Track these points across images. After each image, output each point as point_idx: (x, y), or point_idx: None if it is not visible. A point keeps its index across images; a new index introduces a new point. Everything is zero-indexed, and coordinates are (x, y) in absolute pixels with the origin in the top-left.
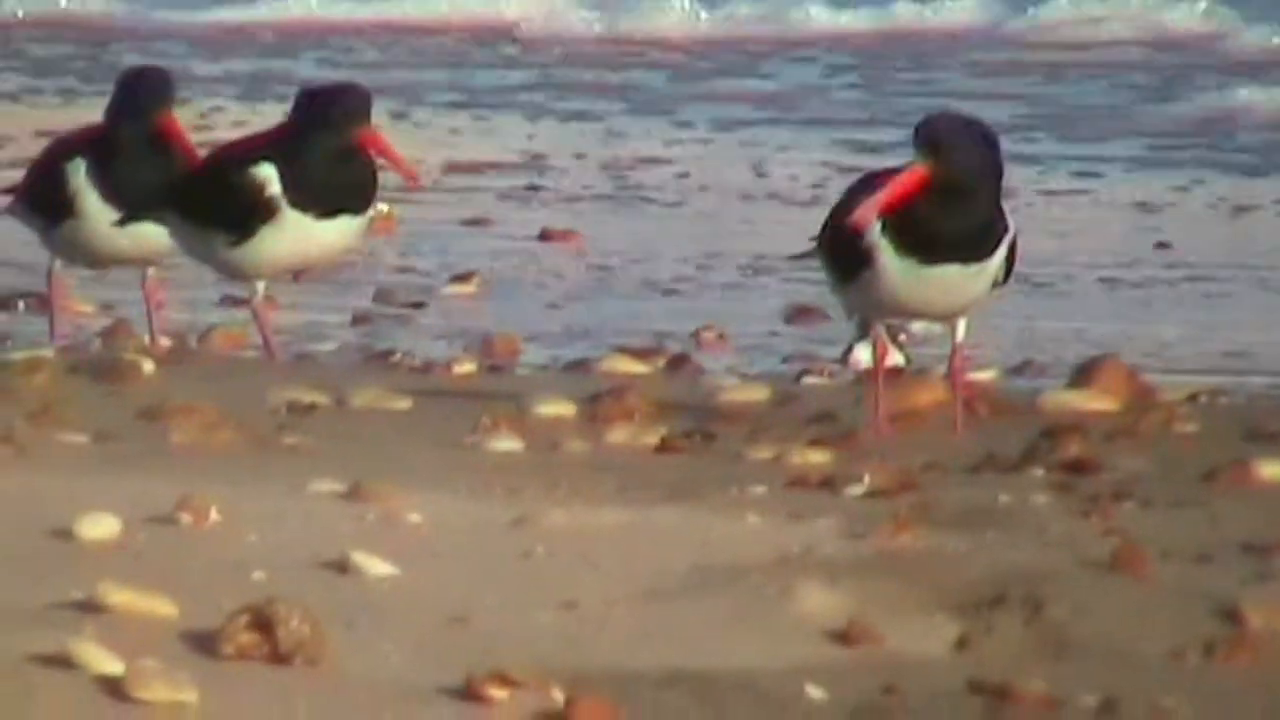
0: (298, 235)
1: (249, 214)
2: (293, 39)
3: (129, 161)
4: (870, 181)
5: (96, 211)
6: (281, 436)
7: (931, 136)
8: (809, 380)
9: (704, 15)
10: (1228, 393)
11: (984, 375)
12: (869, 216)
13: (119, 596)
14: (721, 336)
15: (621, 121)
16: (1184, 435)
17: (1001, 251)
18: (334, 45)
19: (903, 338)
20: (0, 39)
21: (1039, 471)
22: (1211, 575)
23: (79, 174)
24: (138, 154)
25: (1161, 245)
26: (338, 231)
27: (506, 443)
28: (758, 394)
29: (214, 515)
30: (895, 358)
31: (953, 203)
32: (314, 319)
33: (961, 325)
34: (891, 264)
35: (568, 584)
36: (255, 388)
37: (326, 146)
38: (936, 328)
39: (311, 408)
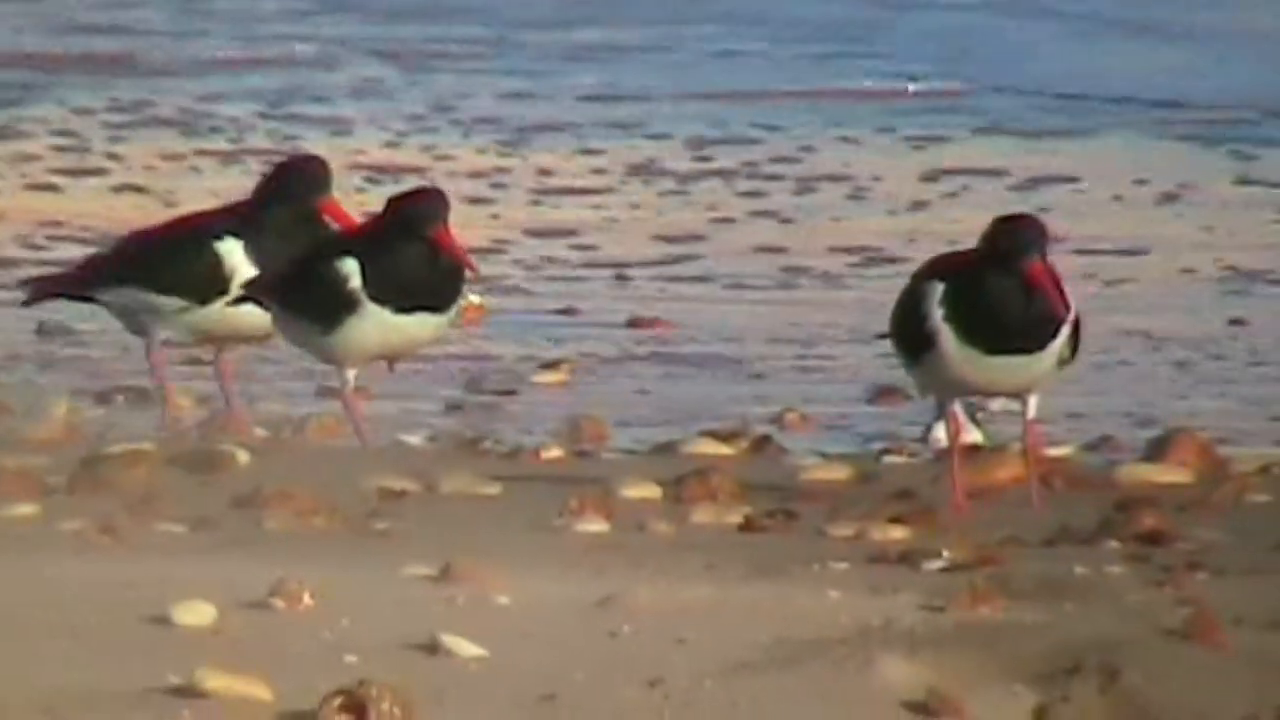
0: (380, 328)
1: (334, 305)
2: None
3: (279, 242)
4: (939, 266)
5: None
6: (373, 522)
7: (1026, 232)
8: (889, 459)
9: None
10: None
11: (1060, 450)
12: (1063, 313)
13: (216, 681)
14: (804, 418)
15: None
16: (1256, 505)
17: (1062, 336)
18: None
19: (980, 415)
20: None
21: (1114, 543)
22: None
23: (233, 255)
24: (290, 235)
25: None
26: (419, 326)
27: (593, 524)
28: (839, 473)
29: (307, 599)
30: (973, 435)
31: (1016, 293)
32: (407, 407)
33: (1033, 402)
34: (955, 350)
35: (654, 661)
36: (348, 475)
37: (407, 244)
38: (1014, 404)
39: (402, 494)
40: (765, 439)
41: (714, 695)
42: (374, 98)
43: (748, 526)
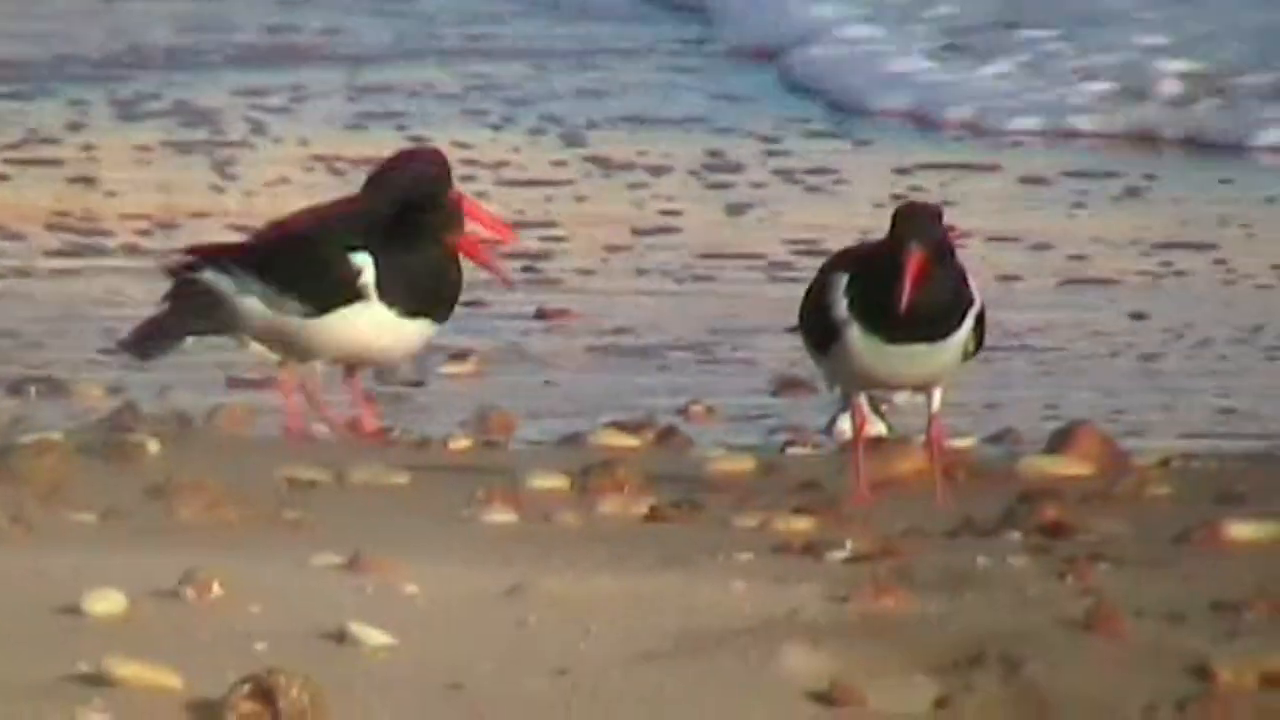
0: (380, 326)
1: (335, 293)
2: None
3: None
4: (845, 259)
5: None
6: (283, 512)
7: (923, 224)
8: (794, 451)
9: None
10: (1199, 457)
11: (962, 442)
12: (908, 301)
13: (126, 669)
14: (710, 410)
15: None
16: (1157, 498)
17: (967, 326)
18: None
19: (885, 408)
20: None
21: (1016, 535)
22: (1183, 633)
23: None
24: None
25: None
26: (417, 332)
27: (501, 515)
28: (744, 465)
29: (217, 589)
30: (877, 427)
31: (922, 286)
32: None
33: (937, 395)
34: (860, 341)
35: (560, 651)
36: (258, 466)
37: (425, 248)
38: (918, 397)
39: (312, 484)
40: (671, 431)
41: (620, 684)
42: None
43: (653, 517)
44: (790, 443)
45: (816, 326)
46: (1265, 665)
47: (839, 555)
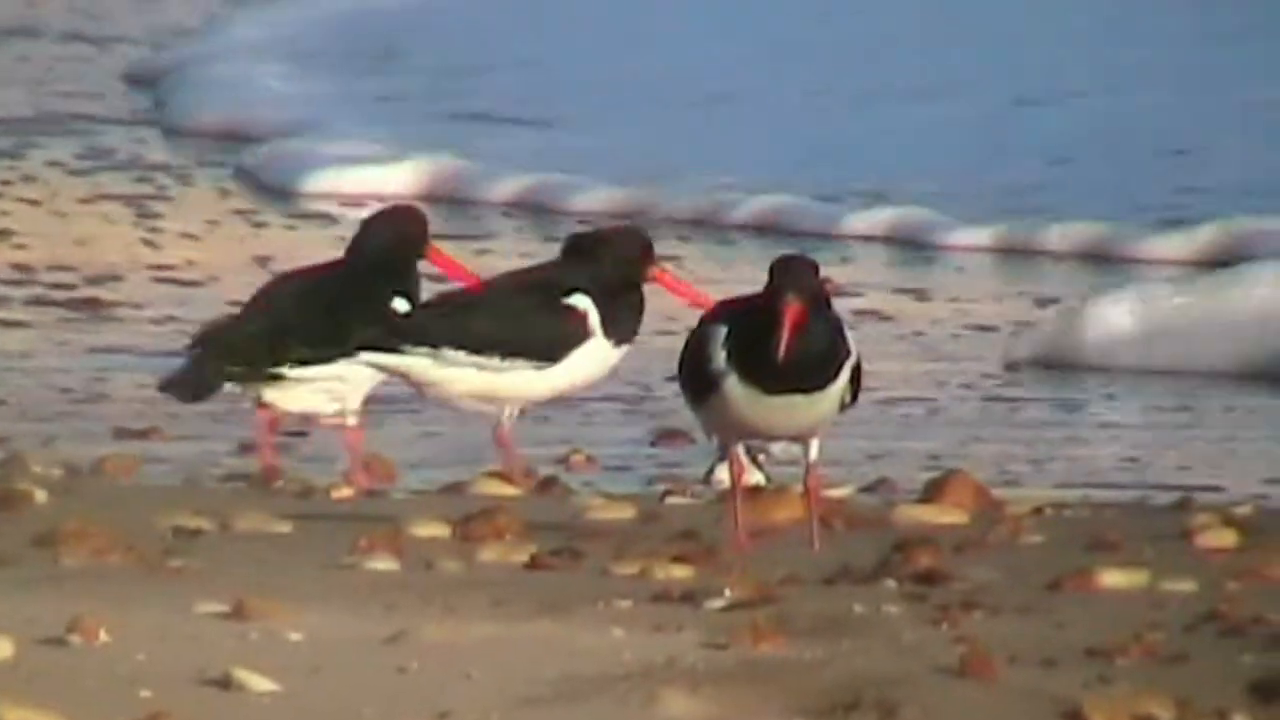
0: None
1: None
2: None
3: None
4: (724, 310)
5: None
6: (168, 559)
7: (800, 276)
8: (673, 500)
9: None
10: (1071, 505)
11: (839, 491)
12: (786, 352)
13: (12, 715)
14: (590, 459)
15: None
16: (1030, 546)
17: (843, 378)
18: None
19: (762, 457)
20: None
21: (891, 582)
22: (1056, 679)
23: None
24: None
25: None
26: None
27: (383, 562)
28: (623, 513)
29: (103, 635)
30: (754, 476)
31: (798, 337)
32: (202, 448)
33: (814, 444)
34: (737, 391)
35: (442, 696)
36: (144, 514)
37: (633, 289)
38: (795, 447)
39: (197, 532)
40: (551, 479)
41: None
42: None
43: (534, 565)
44: (669, 491)
45: (695, 377)
46: (1137, 710)
47: (717, 603)
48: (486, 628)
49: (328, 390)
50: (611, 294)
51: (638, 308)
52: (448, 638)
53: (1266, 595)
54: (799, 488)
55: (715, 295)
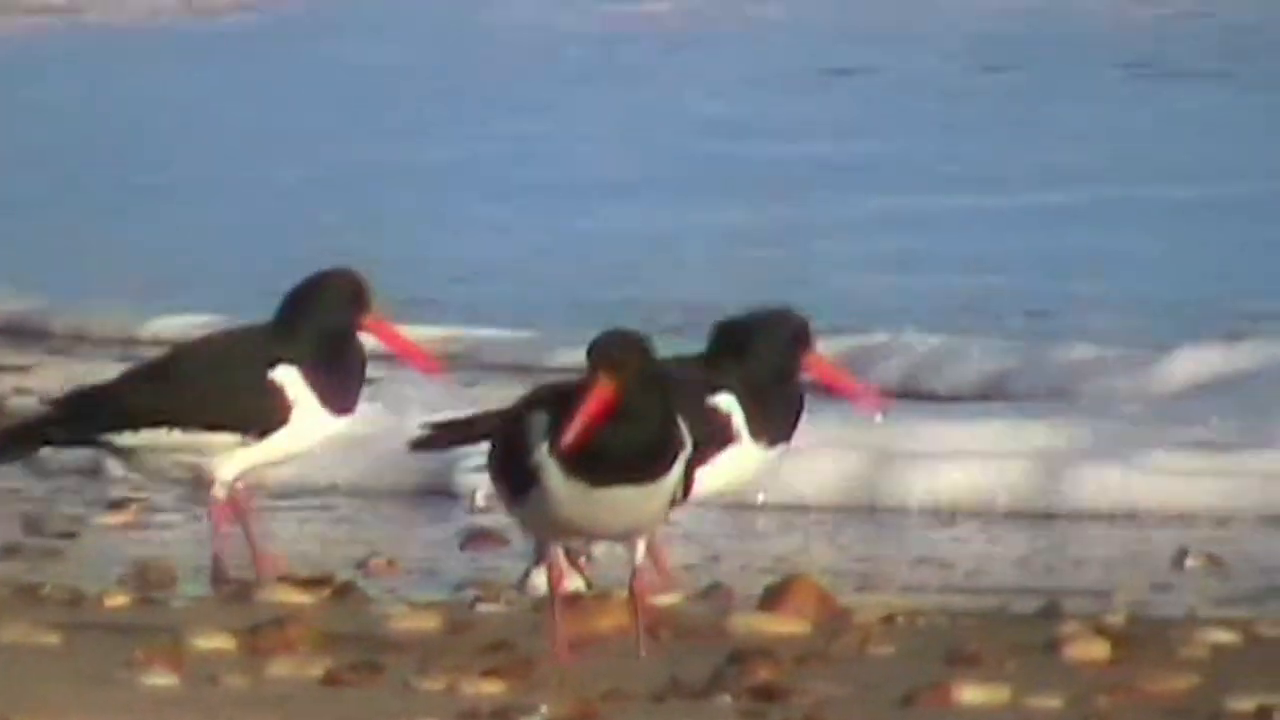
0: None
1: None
2: None
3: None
4: (544, 397)
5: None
6: None
7: (612, 353)
8: (484, 607)
9: None
10: (926, 613)
11: (668, 598)
12: (577, 442)
13: None
14: (391, 563)
15: None
16: (880, 658)
17: (678, 469)
18: None
19: (583, 561)
20: None
21: (726, 697)
22: None
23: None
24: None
25: None
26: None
27: (161, 677)
28: (429, 622)
29: None
30: (574, 582)
31: (625, 422)
32: None
33: (640, 545)
34: (560, 485)
35: None
36: None
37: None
38: (619, 549)
39: None
40: (349, 585)
41: None
42: None
43: (329, 680)
44: (480, 598)
45: (513, 470)
46: None
47: None
48: None
49: (175, 461)
50: (757, 385)
51: (793, 402)
52: None
53: (1141, 712)
54: (624, 593)
55: None
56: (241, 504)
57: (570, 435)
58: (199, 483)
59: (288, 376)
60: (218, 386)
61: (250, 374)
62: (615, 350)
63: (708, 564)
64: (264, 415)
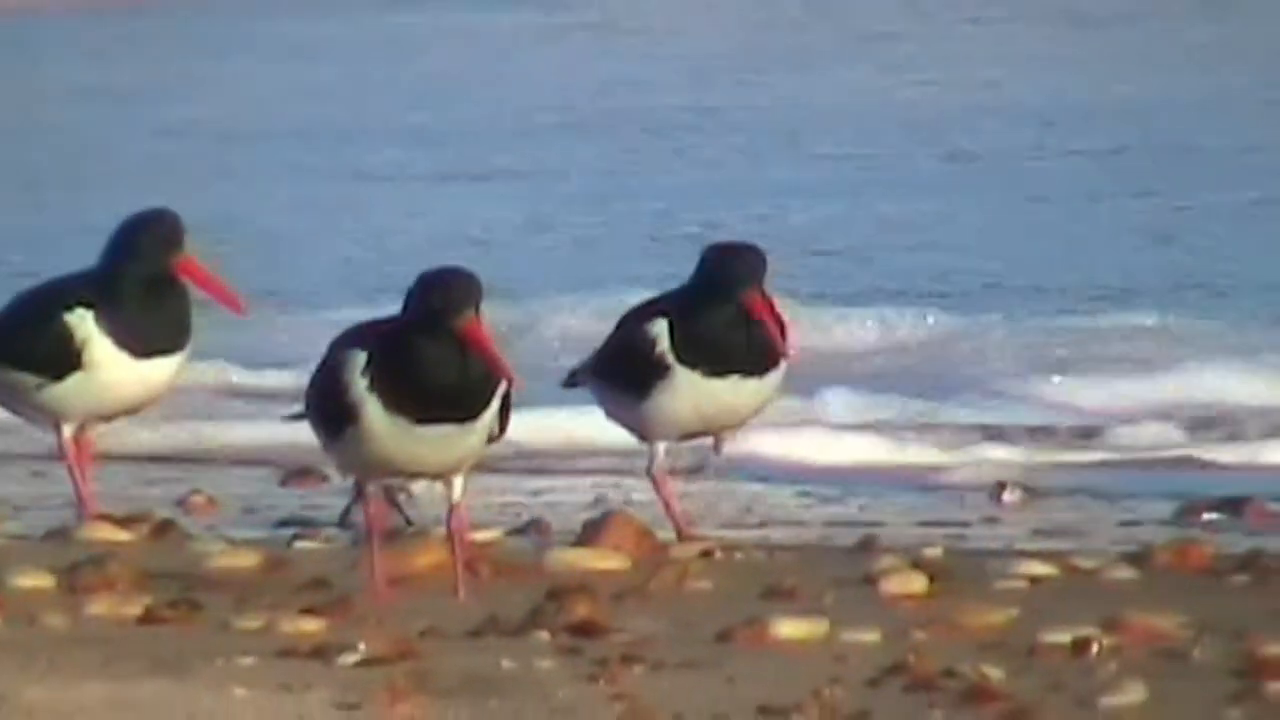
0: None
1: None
2: None
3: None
4: (361, 336)
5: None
6: None
7: (464, 290)
8: (302, 545)
9: None
10: (743, 547)
11: (486, 535)
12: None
13: None
14: (211, 500)
15: None
16: (697, 593)
17: (494, 406)
18: None
19: (402, 498)
20: None
21: (544, 635)
22: None
23: (86, 323)
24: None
25: None
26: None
27: None
28: (247, 560)
29: None
30: (393, 519)
31: (446, 358)
32: None
33: (459, 483)
34: (379, 422)
35: None
36: None
37: (719, 307)
38: (438, 486)
39: None
40: (168, 523)
41: None
42: None
43: (148, 618)
44: (298, 536)
45: (330, 408)
46: None
47: (351, 658)
48: (96, 688)
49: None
50: (698, 314)
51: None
52: (52, 699)
53: (957, 646)
54: (442, 531)
55: None
56: (85, 450)
57: (510, 372)
58: (50, 429)
59: (79, 318)
60: (15, 326)
61: (44, 315)
62: (470, 290)
63: (526, 498)
64: (53, 356)
